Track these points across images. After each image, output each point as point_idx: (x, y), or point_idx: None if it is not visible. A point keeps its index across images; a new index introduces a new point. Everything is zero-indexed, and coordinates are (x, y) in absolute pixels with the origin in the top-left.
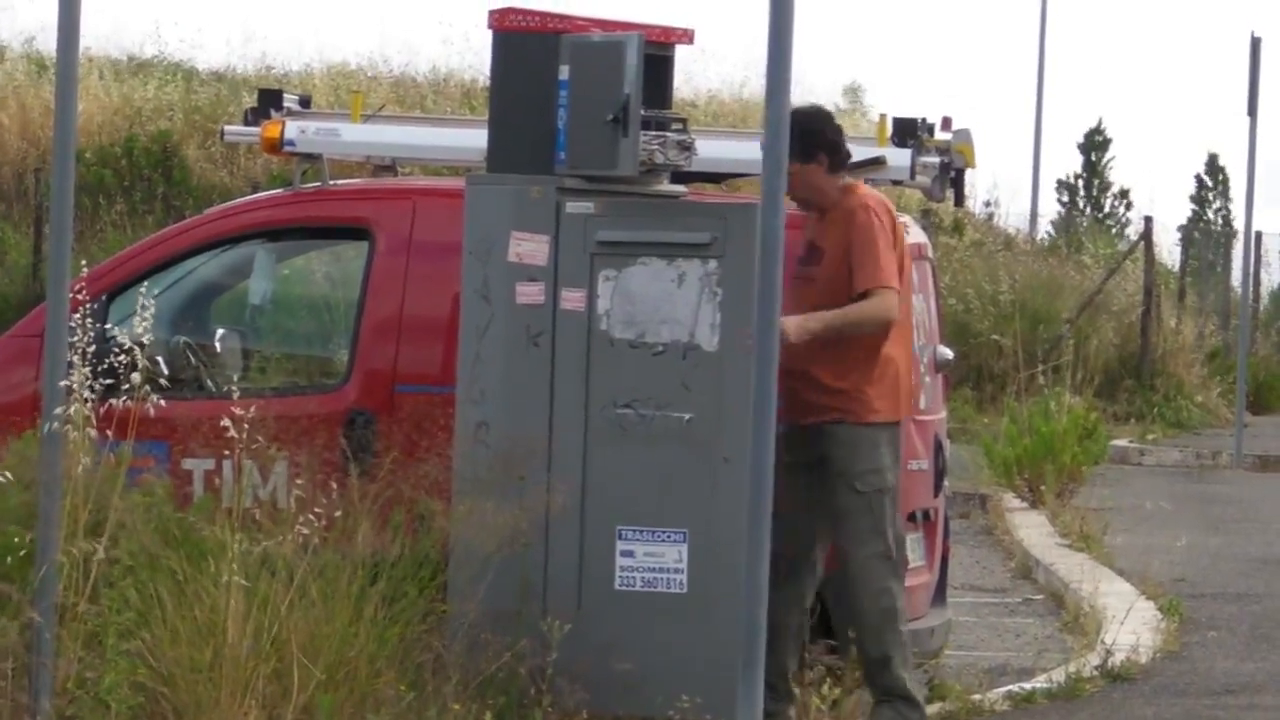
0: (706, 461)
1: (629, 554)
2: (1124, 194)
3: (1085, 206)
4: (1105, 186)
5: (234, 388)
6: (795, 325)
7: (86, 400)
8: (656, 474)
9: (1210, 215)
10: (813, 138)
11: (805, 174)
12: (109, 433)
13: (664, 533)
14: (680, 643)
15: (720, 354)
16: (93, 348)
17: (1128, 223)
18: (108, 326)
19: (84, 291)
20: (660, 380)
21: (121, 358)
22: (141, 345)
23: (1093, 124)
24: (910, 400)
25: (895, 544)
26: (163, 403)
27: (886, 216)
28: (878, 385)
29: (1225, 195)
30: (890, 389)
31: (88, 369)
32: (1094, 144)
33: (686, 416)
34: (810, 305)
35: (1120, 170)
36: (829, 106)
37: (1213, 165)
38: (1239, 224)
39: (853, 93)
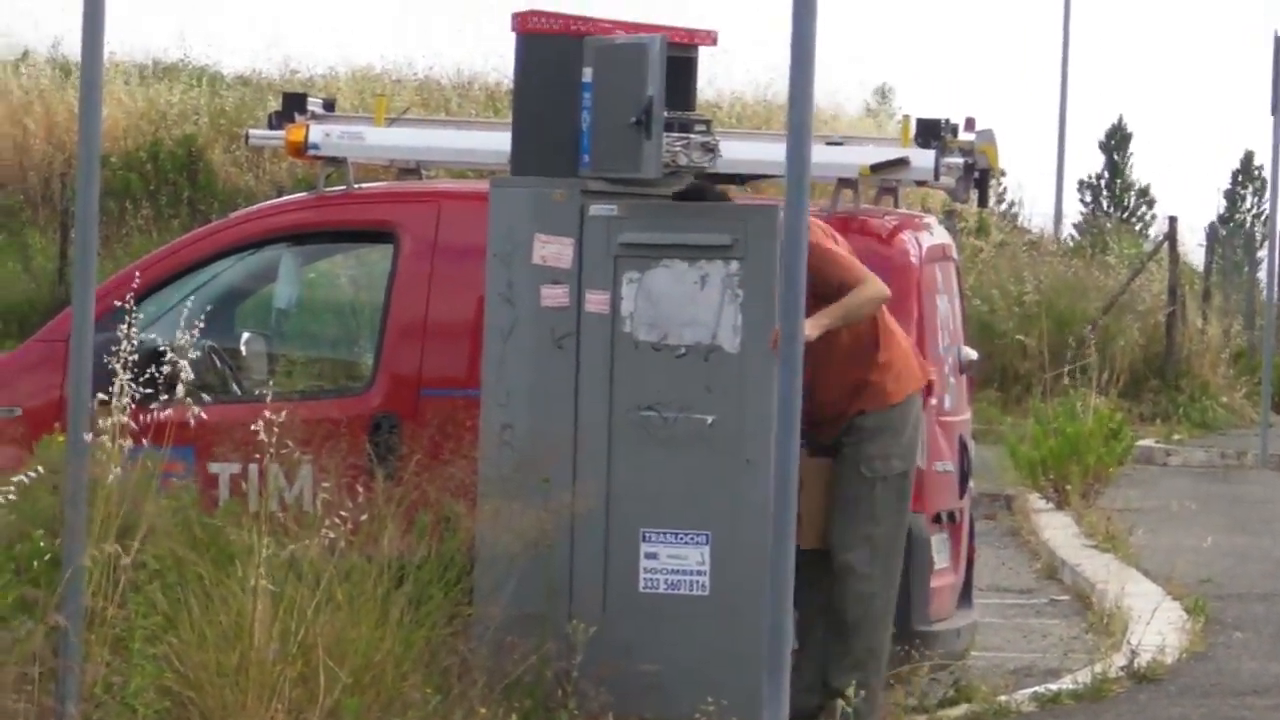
0: (729, 464)
1: (653, 556)
2: (1144, 192)
3: (1109, 207)
4: (1128, 186)
5: (262, 391)
6: (810, 324)
7: (124, 409)
8: (680, 476)
9: (1240, 215)
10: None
11: None
12: (141, 439)
13: (687, 535)
14: (704, 645)
15: (742, 356)
16: (134, 356)
17: (1152, 220)
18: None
19: (122, 299)
20: (683, 382)
21: (153, 364)
22: (182, 353)
23: (1113, 122)
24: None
25: (894, 535)
26: (197, 409)
27: (826, 231)
28: (886, 370)
29: (1260, 194)
30: (896, 369)
31: (128, 376)
32: (1114, 143)
33: (709, 419)
34: None
35: (1143, 169)
36: (858, 107)
37: (1247, 164)
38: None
39: (882, 94)
